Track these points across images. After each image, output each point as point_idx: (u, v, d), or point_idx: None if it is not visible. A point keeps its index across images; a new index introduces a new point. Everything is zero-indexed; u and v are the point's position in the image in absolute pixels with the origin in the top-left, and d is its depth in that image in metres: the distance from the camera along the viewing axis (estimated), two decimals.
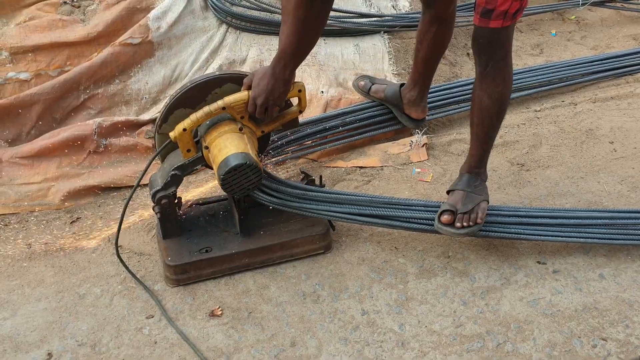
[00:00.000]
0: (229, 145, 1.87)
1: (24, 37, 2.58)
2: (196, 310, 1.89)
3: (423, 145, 2.62)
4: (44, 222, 2.25)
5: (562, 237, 2.03)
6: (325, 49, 2.94)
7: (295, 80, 1.96)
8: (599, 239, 2.04)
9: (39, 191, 2.31)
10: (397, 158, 2.58)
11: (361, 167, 2.53)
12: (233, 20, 2.86)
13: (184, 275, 1.96)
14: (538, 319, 1.85)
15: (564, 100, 2.94)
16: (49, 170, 2.36)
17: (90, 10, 2.78)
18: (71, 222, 2.25)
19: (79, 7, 2.77)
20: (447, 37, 2.37)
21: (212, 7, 2.85)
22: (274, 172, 2.46)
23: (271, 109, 1.92)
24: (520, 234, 2.02)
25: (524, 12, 3.37)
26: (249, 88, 1.90)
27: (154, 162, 1.99)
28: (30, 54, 2.56)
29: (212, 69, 2.76)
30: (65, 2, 2.75)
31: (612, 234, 2.05)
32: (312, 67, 2.86)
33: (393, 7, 3.22)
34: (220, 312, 1.88)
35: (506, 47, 1.93)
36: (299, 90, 1.98)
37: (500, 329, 1.83)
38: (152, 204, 1.96)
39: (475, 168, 2.05)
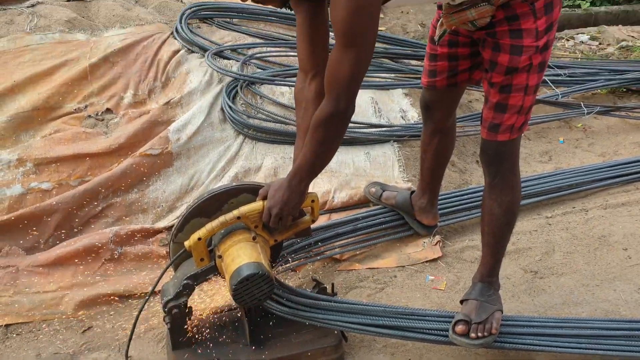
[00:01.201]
0: (242, 255, 1.89)
1: (49, 149, 2.70)
2: None
3: (436, 244, 2.63)
4: (55, 331, 2.24)
5: (579, 348, 1.98)
6: (337, 157, 3.01)
7: (310, 190, 2.02)
8: (618, 350, 1.98)
9: (52, 300, 2.32)
10: (411, 258, 2.59)
11: (375, 268, 2.53)
12: (250, 132, 2.98)
13: None
14: None
15: (574, 207, 2.96)
16: (63, 278, 2.39)
17: (113, 123, 2.91)
18: (82, 332, 2.24)
19: (102, 120, 2.91)
20: (450, 147, 2.44)
21: (230, 119, 2.98)
22: (286, 279, 2.46)
23: (285, 219, 1.96)
24: (536, 345, 1.98)
25: (533, 121, 3.51)
26: (264, 198, 1.95)
27: (167, 270, 2.01)
28: (53, 165, 2.66)
29: (228, 177, 2.84)
30: (89, 116, 2.90)
31: (632, 345, 2.00)
32: (324, 174, 2.93)
33: (402, 117, 3.35)
34: None
35: (513, 158, 1.99)
36: (312, 201, 2.03)
37: None
38: (163, 314, 1.96)
39: (488, 277, 2.04)
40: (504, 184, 1.97)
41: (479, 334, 1.89)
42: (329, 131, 1.77)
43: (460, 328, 1.91)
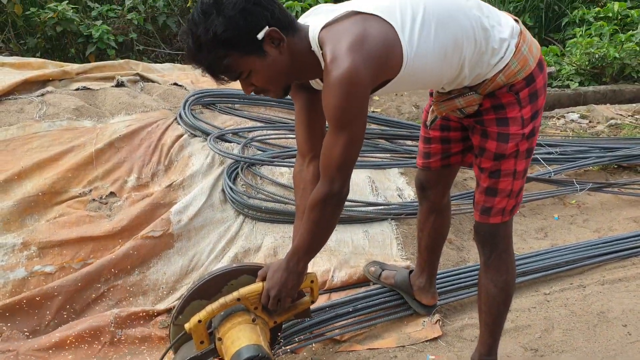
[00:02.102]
0: (241, 337, 1.91)
1: (53, 232, 2.75)
2: None
3: (436, 322, 2.64)
4: None
5: None
6: (335, 235, 3.07)
7: (309, 270, 2.05)
8: None
9: None
10: (412, 337, 2.59)
11: (375, 349, 2.52)
12: (250, 212, 3.04)
13: None
14: None
15: (572, 283, 2.98)
16: None
17: (117, 206, 2.99)
18: None
19: (106, 203, 2.99)
20: (446, 226, 2.49)
21: (231, 200, 3.05)
22: None
23: (284, 301, 1.98)
24: None
25: (527, 198, 3.58)
26: (264, 279, 1.99)
27: (168, 354, 2.02)
28: (57, 248, 2.71)
29: (228, 257, 2.88)
30: (94, 200, 2.98)
31: None
32: (323, 253, 2.97)
33: (399, 195, 3.43)
34: None
35: (507, 239, 2.04)
36: (312, 281, 2.06)
37: None
38: None
39: (486, 356, 2.05)
40: (499, 264, 2.02)
41: None
42: (324, 212, 1.82)
43: None
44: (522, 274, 2.94)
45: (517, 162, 1.90)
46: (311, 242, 1.91)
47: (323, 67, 1.71)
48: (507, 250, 2.02)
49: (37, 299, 2.54)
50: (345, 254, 3.01)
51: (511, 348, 2.53)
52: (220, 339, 1.97)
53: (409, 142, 3.90)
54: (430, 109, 2.08)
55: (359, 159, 3.60)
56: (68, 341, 2.43)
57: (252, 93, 1.79)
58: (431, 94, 2.07)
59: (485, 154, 1.92)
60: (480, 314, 2.08)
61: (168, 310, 2.64)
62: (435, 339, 2.59)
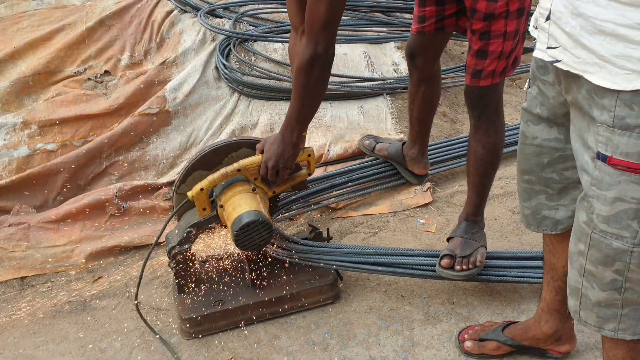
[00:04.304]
0: (242, 204, 1.99)
1: (52, 111, 2.79)
2: None
3: (427, 190, 2.74)
4: (67, 281, 2.38)
5: None
6: (331, 112, 3.11)
7: (306, 145, 2.10)
8: None
9: (63, 253, 2.45)
10: (404, 204, 2.71)
11: (368, 215, 2.64)
12: (244, 89, 3.06)
13: (199, 327, 2.06)
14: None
15: None
16: (73, 233, 2.51)
17: (112, 84, 3.00)
18: (93, 281, 2.38)
19: (101, 82, 3.00)
20: (436, 95, 2.51)
21: (225, 77, 3.06)
22: (286, 228, 2.59)
23: (282, 172, 2.04)
24: (521, 277, 2.10)
25: (525, 68, 3.55)
26: (262, 152, 2.04)
27: (171, 220, 2.12)
28: (56, 127, 2.77)
29: (225, 134, 2.94)
30: (89, 79, 2.99)
31: None
32: (319, 128, 3.03)
33: (395, 70, 3.41)
34: None
35: (496, 101, 2.07)
36: (309, 155, 2.11)
37: None
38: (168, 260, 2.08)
39: (473, 216, 2.15)
40: (488, 126, 2.06)
41: (464, 267, 2.01)
42: (311, 75, 1.84)
43: (445, 262, 2.03)
44: (513, 144, 2.99)
45: (507, 22, 1.89)
46: (301, 109, 1.93)
47: None
48: (496, 112, 2.06)
49: (42, 175, 2.63)
50: (341, 129, 3.06)
51: (499, 212, 2.64)
52: (222, 206, 2.05)
53: (406, 15, 3.81)
54: None
55: (354, 33, 3.60)
56: (75, 214, 2.55)
57: None
58: None
59: (476, 14, 1.91)
60: (469, 176, 2.16)
61: (170, 184, 2.74)
62: (426, 205, 2.70)
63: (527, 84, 1.50)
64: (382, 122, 3.14)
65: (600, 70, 1.12)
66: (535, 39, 1.31)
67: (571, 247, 1.36)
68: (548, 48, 1.21)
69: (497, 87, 2.04)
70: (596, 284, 1.31)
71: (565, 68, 1.19)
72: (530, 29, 1.35)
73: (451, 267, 2.02)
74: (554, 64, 1.23)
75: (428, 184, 2.77)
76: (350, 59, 3.38)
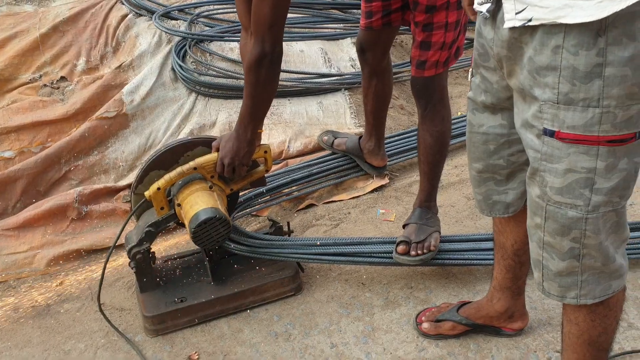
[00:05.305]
0: (199, 202, 2.02)
1: (8, 119, 2.78)
2: (175, 357, 2.00)
3: (384, 177, 2.83)
4: (30, 286, 2.38)
5: None
6: (290, 108, 3.15)
7: (266, 141, 2.13)
8: None
9: (25, 259, 2.45)
10: (362, 189, 2.78)
11: (330, 203, 2.71)
12: (202, 89, 3.08)
13: (162, 325, 2.08)
14: (496, 338, 1.98)
15: None
16: (34, 239, 2.51)
17: (69, 90, 3.00)
18: (56, 285, 2.38)
19: (57, 88, 2.99)
20: (388, 89, 2.57)
21: (182, 78, 3.08)
22: (248, 224, 2.62)
23: (238, 169, 2.07)
24: (475, 259, 2.17)
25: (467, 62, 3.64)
26: (218, 150, 2.07)
27: (130, 221, 2.14)
28: (13, 134, 2.75)
29: (183, 134, 2.96)
30: (45, 85, 2.98)
31: None
32: (278, 125, 3.07)
33: (352, 66, 3.47)
34: (197, 357, 1.99)
35: (441, 90, 2.14)
36: (265, 152, 2.15)
37: (460, 350, 1.95)
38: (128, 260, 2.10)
39: (426, 202, 2.22)
40: (434, 115, 2.13)
41: (419, 252, 2.07)
42: (259, 74, 1.87)
43: (401, 248, 2.09)
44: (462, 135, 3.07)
45: (448, 13, 1.96)
46: (252, 107, 1.97)
47: None
48: (442, 102, 2.12)
49: (0, 183, 2.62)
50: (301, 125, 3.10)
51: (455, 198, 2.72)
52: (179, 205, 2.07)
53: None
54: None
55: (311, 30, 3.65)
56: (36, 219, 2.54)
57: None
58: None
59: (418, 7, 1.97)
60: (420, 165, 2.22)
61: (129, 186, 2.74)
62: (386, 195, 2.76)
63: (469, 73, 1.56)
64: (341, 117, 3.19)
65: (572, 11, 1.13)
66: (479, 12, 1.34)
67: (529, 222, 1.41)
68: (517, 14, 1.22)
69: (441, 77, 2.11)
70: (555, 255, 1.36)
71: (537, 23, 1.20)
72: (475, 6, 1.38)
73: (407, 253, 2.08)
74: (527, 25, 1.23)
75: (385, 173, 2.84)
76: (308, 55, 3.43)
